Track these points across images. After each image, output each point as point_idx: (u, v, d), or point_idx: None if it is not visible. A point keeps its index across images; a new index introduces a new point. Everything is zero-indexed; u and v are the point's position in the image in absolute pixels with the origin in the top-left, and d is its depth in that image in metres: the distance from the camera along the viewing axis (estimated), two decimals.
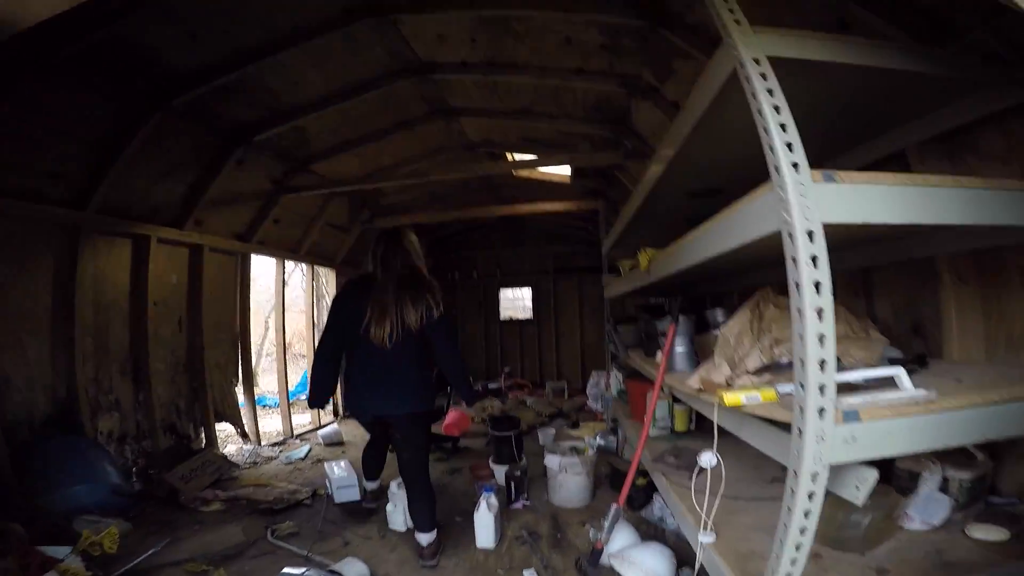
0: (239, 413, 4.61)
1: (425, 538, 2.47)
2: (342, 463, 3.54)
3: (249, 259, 4.68)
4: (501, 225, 8.24)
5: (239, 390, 4.65)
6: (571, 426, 5.07)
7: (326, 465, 3.58)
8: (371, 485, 3.15)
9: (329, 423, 5.65)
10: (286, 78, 3.38)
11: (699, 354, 1.96)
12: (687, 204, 2.22)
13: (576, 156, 4.09)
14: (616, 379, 3.85)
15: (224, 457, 4.08)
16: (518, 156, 4.94)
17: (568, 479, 3.12)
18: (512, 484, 3.15)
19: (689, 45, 2.48)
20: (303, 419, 5.71)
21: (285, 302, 5.35)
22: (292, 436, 5.06)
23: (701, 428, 2.58)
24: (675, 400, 2.55)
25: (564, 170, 5.35)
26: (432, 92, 3.95)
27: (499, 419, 3.93)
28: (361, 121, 4.20)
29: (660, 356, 2.01)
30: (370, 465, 3.12)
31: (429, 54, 3.43)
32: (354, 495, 3.27)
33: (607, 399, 5.78)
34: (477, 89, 3.87)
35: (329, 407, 6.16)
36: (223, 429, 4.55)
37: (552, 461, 3.16)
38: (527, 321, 8.44)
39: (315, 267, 5.76)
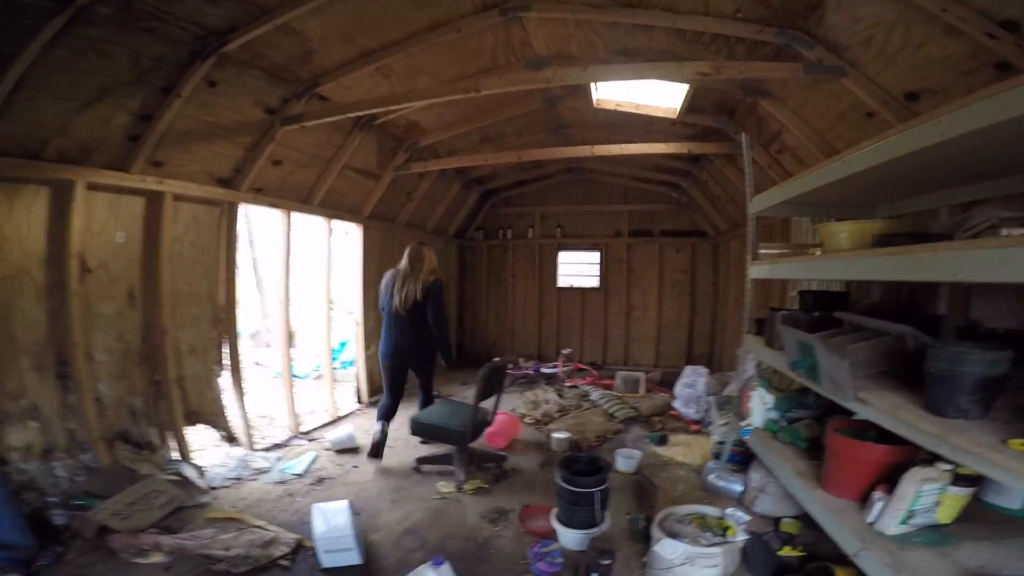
0: (222, 411, 3.61)
1: None
2: (340, 508, 2.45)
3: (236, 210, 3.55)
4: (565, 181, 6.84)
5: (224, 380, 3.66)
6: (657, 442, 3.79)
7: (314, 511, 2.51)
8: (382, 426, 3.49)
9: (346, 415, 4.68)
10: None
11: None
12: None
13: (722, 65, 2.44)
14: (761, 402, 2.57)
15: (174, 484, 2.90)
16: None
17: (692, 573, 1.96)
18: None
19: None
20: (329, 401, 4.75)
21: (294, 261, 4.24)
22: (297, 435, 4.10)
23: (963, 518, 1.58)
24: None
25: (668, 101, 3.77)
26: None
27: (574, 460, 2.67)
28: (384, 20, 2.83)
29: None
30: (389, 410, 3.55)
31: None
32: (351, 559, 2.29)
33: (707, 404, 4.41)
34: None
35: (353, 390, 5.21)
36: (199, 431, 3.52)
37: (670, 550, 2.00)
38: (591, 289, 7.00)
39: (332, 221, 4.59)
